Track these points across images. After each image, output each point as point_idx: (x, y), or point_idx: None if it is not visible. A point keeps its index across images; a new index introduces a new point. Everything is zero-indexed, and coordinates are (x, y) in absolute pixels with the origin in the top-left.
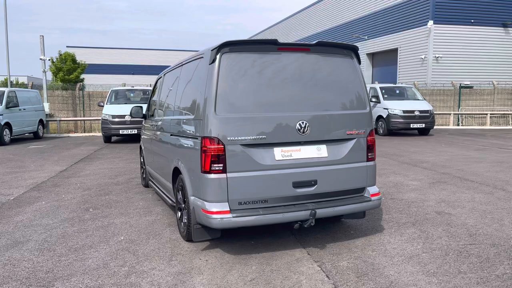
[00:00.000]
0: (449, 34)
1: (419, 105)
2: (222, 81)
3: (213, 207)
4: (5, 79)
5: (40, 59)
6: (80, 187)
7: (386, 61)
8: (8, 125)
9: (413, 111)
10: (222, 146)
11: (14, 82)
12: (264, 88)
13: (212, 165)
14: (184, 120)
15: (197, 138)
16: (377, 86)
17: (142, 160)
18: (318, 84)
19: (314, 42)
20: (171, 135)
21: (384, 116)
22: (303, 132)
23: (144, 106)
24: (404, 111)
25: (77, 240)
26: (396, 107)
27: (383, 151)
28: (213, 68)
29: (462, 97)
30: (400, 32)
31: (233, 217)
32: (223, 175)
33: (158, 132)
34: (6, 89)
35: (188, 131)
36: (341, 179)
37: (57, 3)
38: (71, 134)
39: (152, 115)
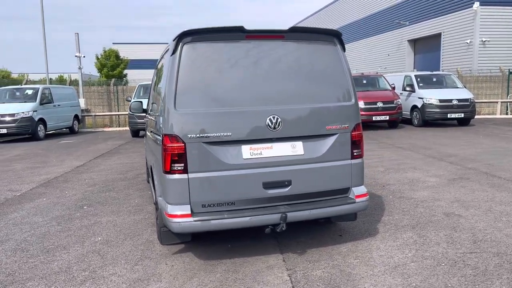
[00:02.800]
0: (497, 16)
1: (458, 94)
2: (184, 74)
3: (173, 210)
4: (59, 76)
5: (76, 56)
6: (87, 183)
7: (428, 47)
8: (42, 121)
9: (450, 100)
10: (183, 144)
11: (68, 79)
12: (231, 80)
13: (172, 164)
14: (155, 116)
15: (160, 136)
16: (412, 74)
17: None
18: (295, 74)
19: (288, 28)
20: (149, 131)
21: (419, 106)
22: (275, 128)
23: (145, 101)
24: (441, 100)
25: (55, 240)
26: (431, 96)
27: (411, 144)
28: (174, 60)
29: (511, 84)
30: (443, 15)
31: (194, 221)
32: (184, 176)
33: (147, 128)
34: (40, 86)
35: (156, 128)
36: (320, 179)
37: (106, 1)
38: (105, 129)
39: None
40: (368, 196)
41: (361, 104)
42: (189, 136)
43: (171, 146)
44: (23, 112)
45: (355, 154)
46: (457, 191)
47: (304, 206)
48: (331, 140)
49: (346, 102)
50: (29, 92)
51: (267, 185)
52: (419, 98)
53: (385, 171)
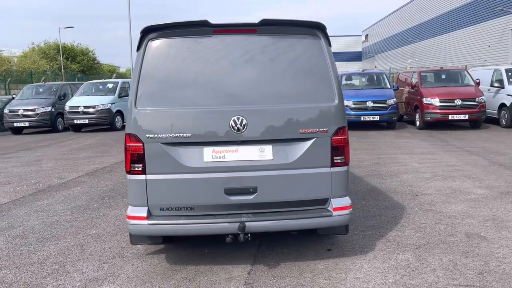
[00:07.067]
0: None
1: None
2: (147, 71)
3: (131, 211)
4: None
5: None
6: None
7: None
8: (120, 112)
9: None
10: (141, 144)
11: None
12: (196, 78)
13: (132, 165)
14: None
15: None
16: (502, 68)
17: None
18: (268, 72)
19: (258, 20)
20: None
21: (508, 105)
22: (239, 130)
23: None
24: None
25: (56, 230)
26: None
27: (483, 148)
28: (138, 57)
29: None
30: None
31: (149, 224)
32: (142, 177)
33: None
34: (120, 80)
35: None
36: (291, 187)
37: (203, 1)
38: None
39: None
40: (351, 209)
41: (436, 102)
42: (148, 136)
43: (130, 146)
44: (102, 104)
45: (336, 161)
46: (500, 207)
47: (269, 216)
48: (306, 145)
49: (327, 103)
50: (110, 86)
51: (230, 191)
52: (508, 95)
53: (430, 178)
